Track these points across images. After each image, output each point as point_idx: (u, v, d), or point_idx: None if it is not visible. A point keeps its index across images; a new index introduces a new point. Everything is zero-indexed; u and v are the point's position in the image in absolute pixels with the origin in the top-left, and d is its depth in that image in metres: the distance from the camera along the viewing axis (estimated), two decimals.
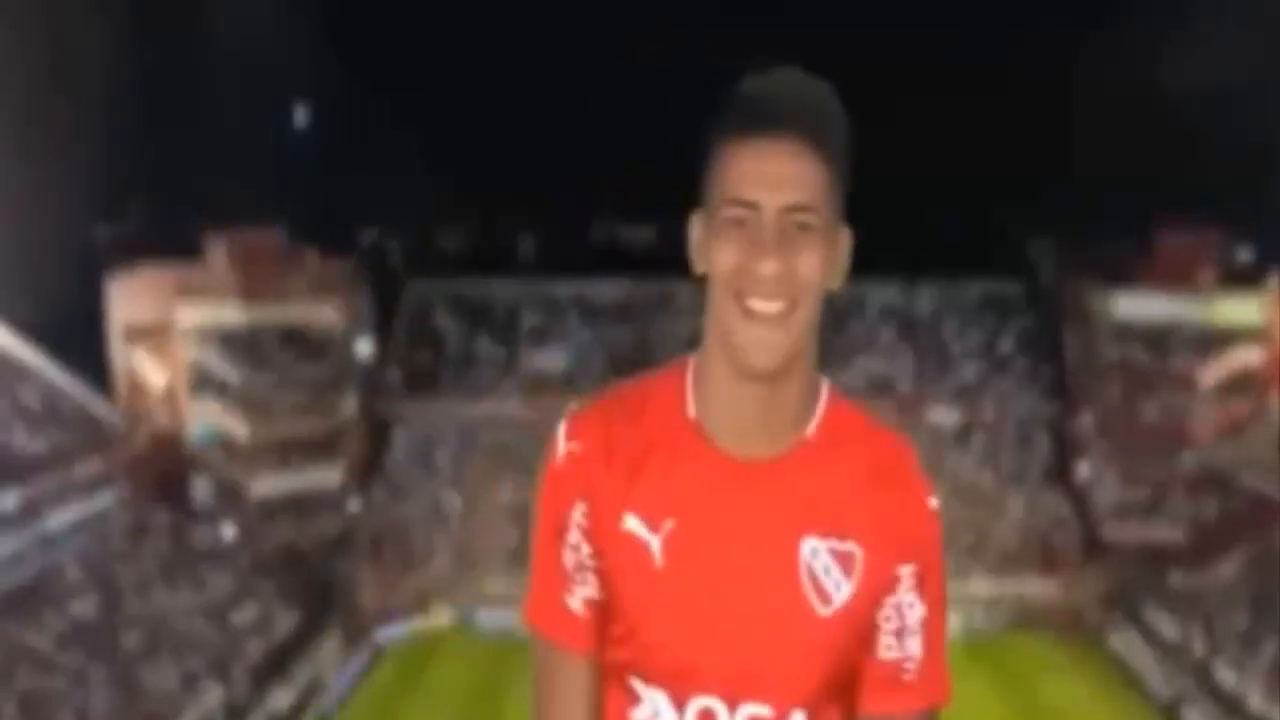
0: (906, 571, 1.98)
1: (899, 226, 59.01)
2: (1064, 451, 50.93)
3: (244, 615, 39.79)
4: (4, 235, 40.19)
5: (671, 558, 1.96)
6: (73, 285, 42.30)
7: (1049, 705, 37.53)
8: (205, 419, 45.17)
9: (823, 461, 1.97)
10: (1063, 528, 47.96)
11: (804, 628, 1.95)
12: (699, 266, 1.93)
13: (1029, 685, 38.66)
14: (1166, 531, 45.87)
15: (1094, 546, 46.89)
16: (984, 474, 50.13)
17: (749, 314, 1.86)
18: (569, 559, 2.03)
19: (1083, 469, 49.78)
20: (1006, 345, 54.63)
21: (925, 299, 56.36)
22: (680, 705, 1.98)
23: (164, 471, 42.97)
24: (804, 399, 1.97)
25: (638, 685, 2.01)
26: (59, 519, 37.05)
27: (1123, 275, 48.82)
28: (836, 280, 1.92)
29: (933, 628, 2.02)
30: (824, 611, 1.95)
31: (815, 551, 1.95)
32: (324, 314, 48.36)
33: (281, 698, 37.29)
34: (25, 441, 37.44)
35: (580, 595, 2.05)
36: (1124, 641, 42.24)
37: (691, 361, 2.01)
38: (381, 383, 52.55)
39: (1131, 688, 39.54)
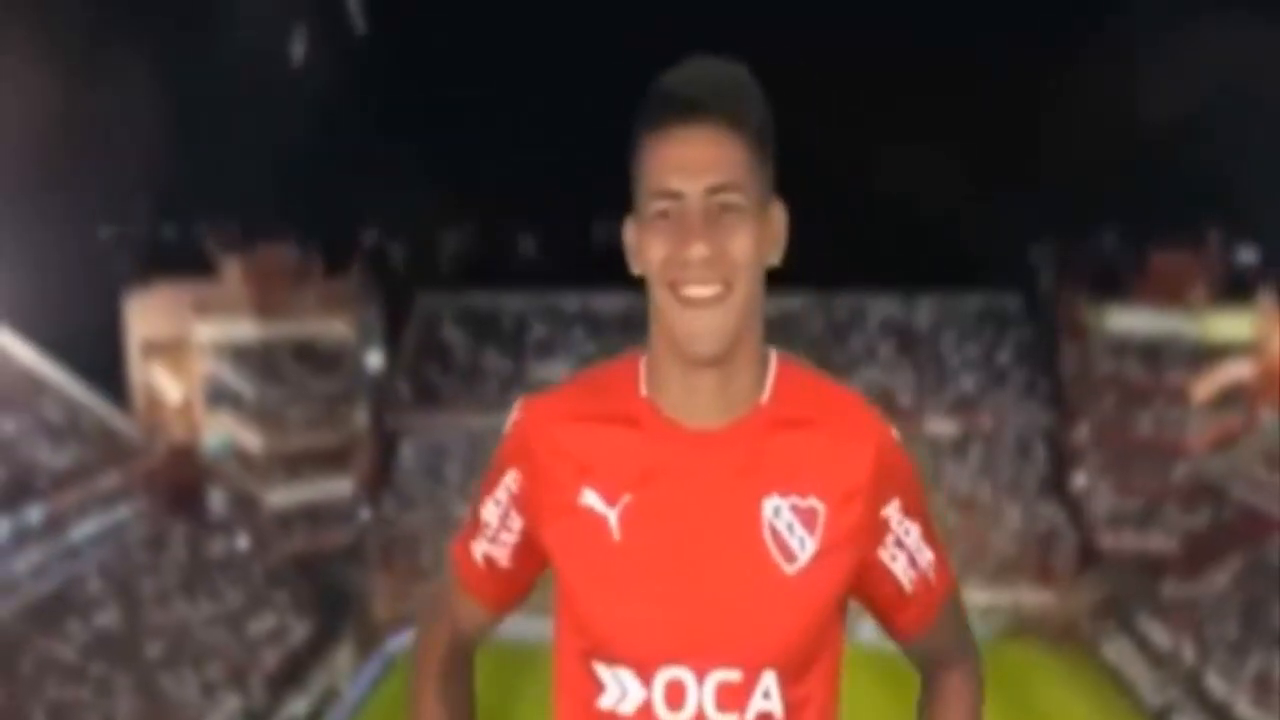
0: (893, 509, 2.03)
1: (898, 239, 59.97)
2: (1061, 462, 51.89)
3: (260, 624, 40.82)
4: (24, 254, 41.23)
5: (630, 531, 1.98)
6: (91, 302, 43.40)
7: (1042, 712, 38.48)
8: (220, 432, 46.27)
9: (779, 424, 1.99)
10: (1059, 537, 48.92)
11: (770, 587, 1.96)
12: (635, 268, 1.96)
13: (1024, 692, 39.61)
14: (1160, 541, 46.83)
15: (1089, 555, 47.84)
16: (982, 484, 51.12)
17: (685, 302, 1.89)
18: (489, 513, 2.12)
19: (1079, 479, 50.75)
20: (1005, 357, 55.59)
21: (924, 311, 57.32)
22: (647, 680, 1.98)
23: (180, 483, 44.00)
24: (754, 371, 2.00)
25: (601, 670, 2.01)
26: (81, 530, 38.14)
27: (1118, 291, 49.88)
28: (774, 256, 1.97)
29: (930, 532, 2.09)
30: (789, 569, 1.97)
31: (778, 510, 1.97)
32: (335, 329, 49.48)
33: (298, 706, 38.30)
34: (49, 456, 38.51)
35: (483, 548, 2.14)
36: (1117, 650, 43.19)
37: (644, 353, 2.04)
38: (391, 395, 53.58)
39: (1124, 696, 40.50)
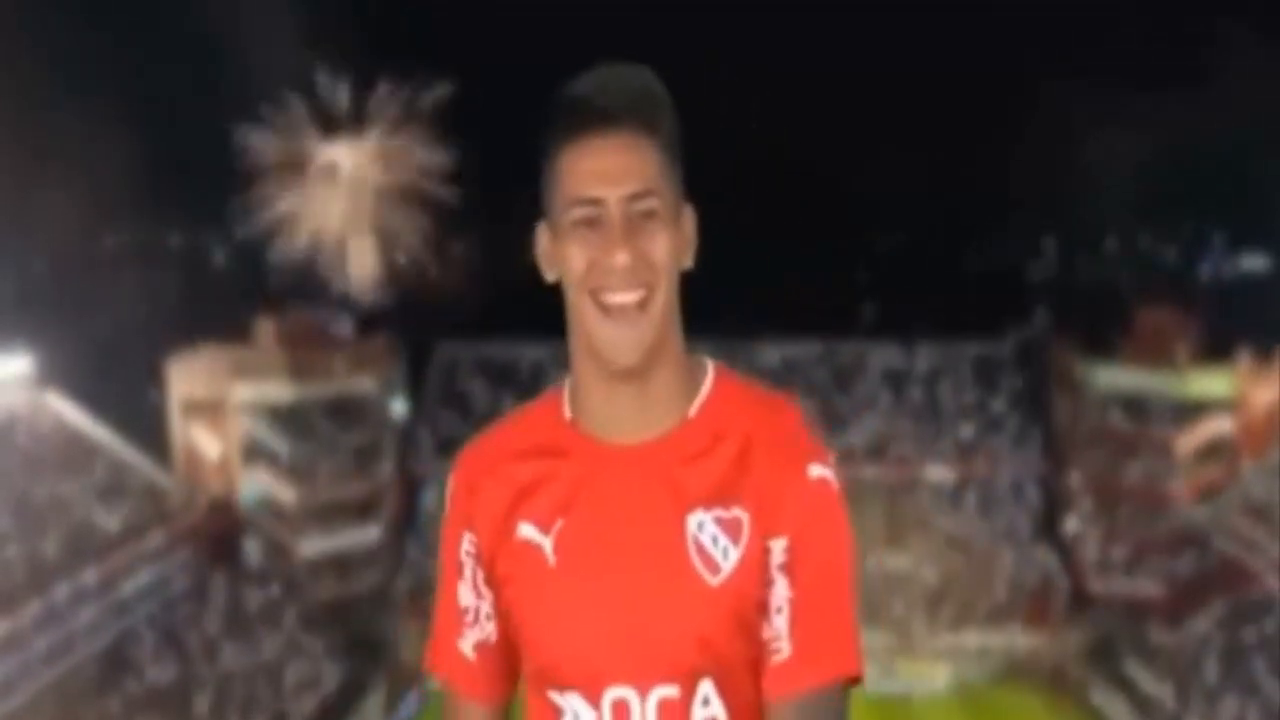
0: (777, 547, 1.97)
1: (897, 289, 61.96)
2: (1053, 508, 54.06)
3: (296, 671, 43.34)
4: (71, 323, 43.84)
5: (564, 555, 2.00)
6: (135, 367, 46.07)
7: None
8: (256, 486, 48.98)
9: (706, 438, 2.00)
10: (1051, 582, 51.09)
11: (696, 601, 1.96)
12: (549, 275, 2.00)
13: None
14: (1147, 587, 49.02)
15: (1080, 600, 49.99)
16: (978, 529, 53.23)
17: (607, 310, 1.92)
18: (465, 597, 2.10)
19: (1070, 525, 52.95)
20: (999, 406, 57.72)
21: (923, 361, 59.45)
22: (595, 702, 2.00)
23: (219, 534, 46.66)
24: (680, 384, 2.02)
25: (555, 696, 2.03)
26: (131, 585, 40.75)
27: (1106, 349, 52.45)
28: (687, 260, 2.00)
29: (803, 604, 1.97)
30: (713, 581, 1.97)
31: (701, 524, 1.97)
32: (363, 385, 52.15)
33: None
34: (103, 517, 41.20)
35: (471, 639, 2.10)
36: (1104, 691, 45.40)
37: (567, 378, 2.08)
38: (413, 442, 55.99)
39: None
